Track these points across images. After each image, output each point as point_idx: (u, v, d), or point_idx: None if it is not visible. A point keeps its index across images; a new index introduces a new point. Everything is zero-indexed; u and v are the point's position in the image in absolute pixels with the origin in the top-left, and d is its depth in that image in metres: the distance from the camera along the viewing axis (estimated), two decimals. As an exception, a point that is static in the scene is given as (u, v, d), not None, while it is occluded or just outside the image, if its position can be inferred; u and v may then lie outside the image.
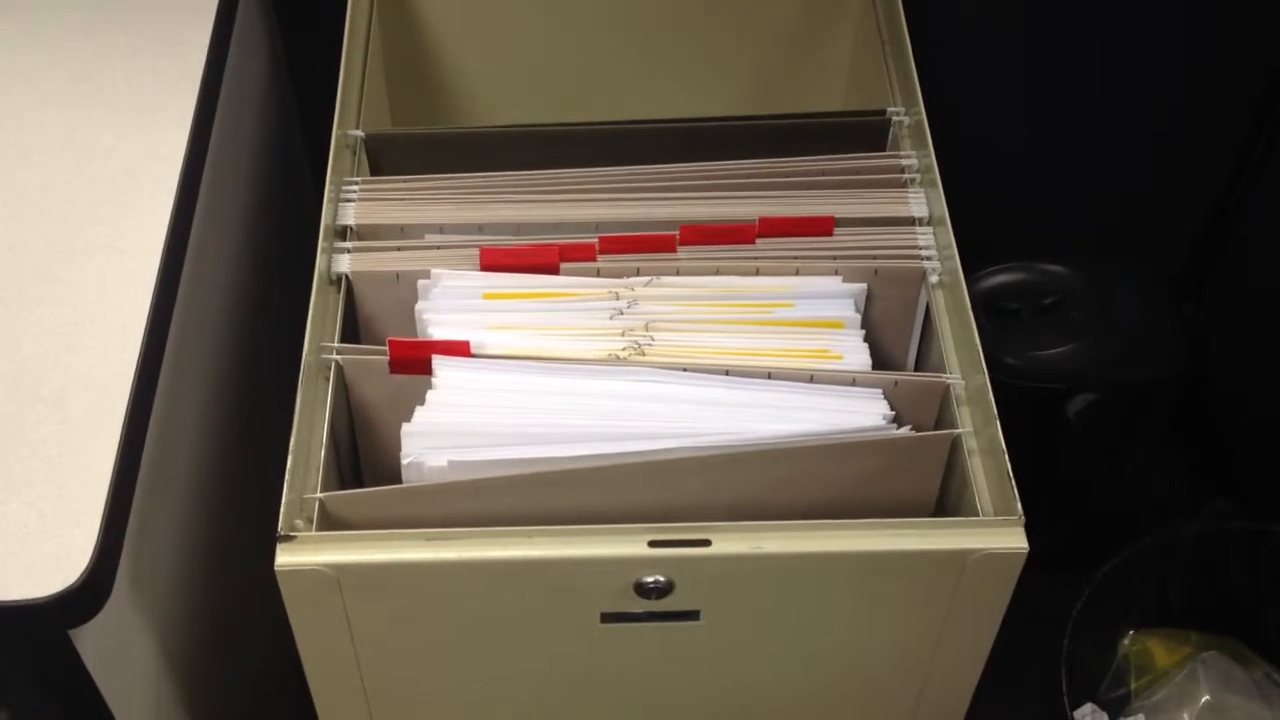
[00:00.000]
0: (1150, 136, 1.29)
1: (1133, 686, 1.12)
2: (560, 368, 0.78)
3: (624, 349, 0.80)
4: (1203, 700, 1.09)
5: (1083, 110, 1.27)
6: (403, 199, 0.87)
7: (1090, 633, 1.08)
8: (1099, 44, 1.22)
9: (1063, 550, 1.06)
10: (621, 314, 0.82)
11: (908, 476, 0.78)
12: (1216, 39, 1.20)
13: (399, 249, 0.84)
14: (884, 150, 0.92)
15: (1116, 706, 1.12)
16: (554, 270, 0.84)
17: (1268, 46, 1.20)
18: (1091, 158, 1.31)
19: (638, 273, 0.84)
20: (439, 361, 0.79)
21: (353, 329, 0.85)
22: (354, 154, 0.90)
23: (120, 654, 0.76)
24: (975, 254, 0.91)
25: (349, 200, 0.86)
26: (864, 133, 0.92)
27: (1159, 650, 1.13)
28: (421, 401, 0.78)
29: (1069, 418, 1.19)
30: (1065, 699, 1.03)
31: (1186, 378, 1.20)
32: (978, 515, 0.73)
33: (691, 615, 0.74)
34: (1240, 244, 1.34)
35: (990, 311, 1.19)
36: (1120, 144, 1.29)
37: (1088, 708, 1.07)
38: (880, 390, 0.79)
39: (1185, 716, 1.08)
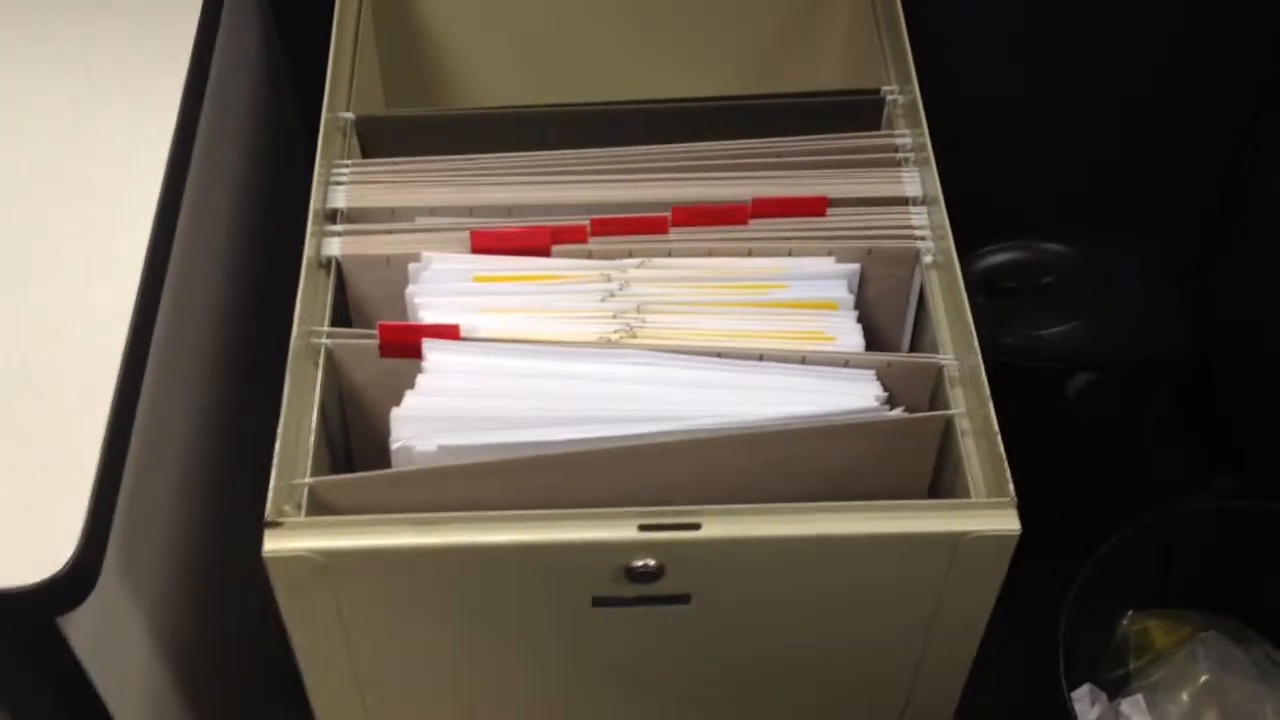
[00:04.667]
0: (1152, 107, 1.27)
1: (1132, 667, 1.12)
2: (551, 351, 0.78)
3: (615, 331, 0.79)
4: (1202, 680, 1.08)
5: (1083, 84, 1.26)
6: (393, 182, 0.86)
7: (1089, 613, 1.07)
8: (1099, 16, 1.20)
9: (1063, 530, 1.05)
10: (613, 296, 0.81)
11: (901, 458, 0.77)
12: (1224, 9, 1.19)
13: (389, 232, 0.84)
14: (878, 130, 0.91)
15: (1115, 687, 1.11)
16: (545, 252, 0.83)
17: (1277, 12, 1.18)
18: (1091, 131, 1.29)
19: (629, 255, 0.83)
20: (429, 345, 0.78)
21: (344, 312, 0.84)
22: (344, 136, 0.90)
23: (111, 640, 0.76)
24: (973, 233, 0.90)
25: (339, 183, 0.86)
26: (858, 112, 0.91)
27: (1158, 630, 1.13)
28: (412, 385, 0.77)
29: (1069, 397, 1.18)
30: (1063, 680, 1.02)
31: (1190, 355, 1.19)
32: (970, 497, 0.73)
33: (682, 599, 0.73)
34: (1246, 215, 1.32)
35: (989, 291, 1.19)
36: (1121, 116, 1.28)
37: (1086, 688, 1.07)
38: (873, 372, 0.78)
39: (1184, 696, 1.08)
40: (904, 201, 0.85)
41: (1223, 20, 1.20)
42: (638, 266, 0.82)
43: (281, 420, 0.72)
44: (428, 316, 0.80)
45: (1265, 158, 1.27)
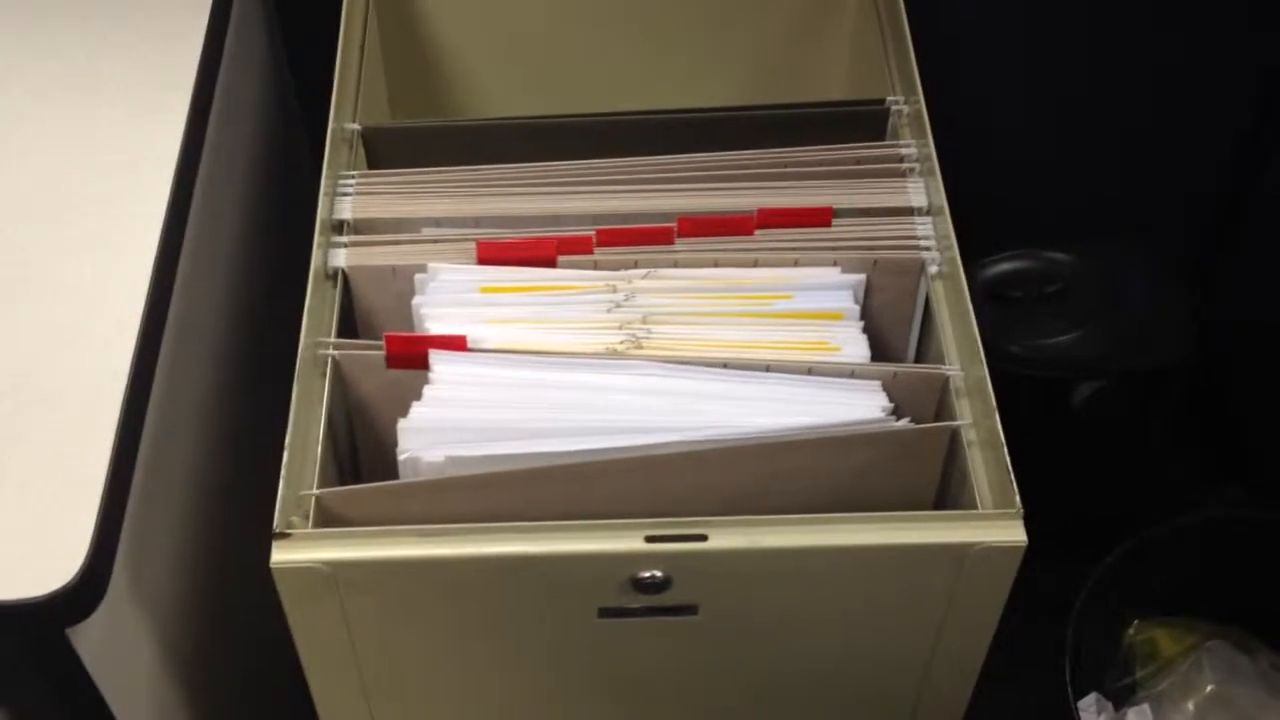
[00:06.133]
0: (1157, 113, 1.27)
1: (1138, 676, 1.12)
2: (557, 362, 0.78)
3: (621, 342, 0.79)
4: (1208, 689, 1.08)
5: (1087, 92, 1.26)
6: (399, 192, 0.86)
7: (1095, 622, 1.07)
8: (1103, 25, 1.20)
9: (1070, 539, 1.05)
10: (619, 306, 0.81)
11: (907, 469, 0.77)
12: (1225, 12, 1.19)
13: (396, 243, 0.84)
14: (883, 140, 0.91)
15: (1122, 696, 1.11)
16: (551, 263, 0.83)
17: (1277, 14, 1.18)
18: (1097, 139, 1.30)
19: (635, 265, 0.83)
20: (435, 356, 0.78)
21: (350, 323, 0.84)
22: (350, 147, 0.90)
23: (119, 652, 0.76)
24: (979, 242, 0.90)
25: (345, 194, 0.86)
26: (863, 122, 0.91)
27: (1164, 639, 1.13)
28: (418, 397, 0.77)
29: (1076, 406, 1.18)
30: (1069, 688, 1.02)
31: (1196, 362, 1.19)
32: (977, 508, 0.73)
33: (689, 610, 0.74)
34: (1252, 220, 1.32)
35: (994, 300, 1.18)
36: (1126, 123, 1.28)
37: (1092, 697, 1.07)
38: (879, 382, 0.78)
39: (1190, 706, 1.08)
40: (909, 212, 0.85)
41: (1224, 22, 1.20)
42: (643, 277, 0.83)
43: (289, 431, 0.73)
44: (434, 327, 0.80)
45: (1267, 159, 1.27)
